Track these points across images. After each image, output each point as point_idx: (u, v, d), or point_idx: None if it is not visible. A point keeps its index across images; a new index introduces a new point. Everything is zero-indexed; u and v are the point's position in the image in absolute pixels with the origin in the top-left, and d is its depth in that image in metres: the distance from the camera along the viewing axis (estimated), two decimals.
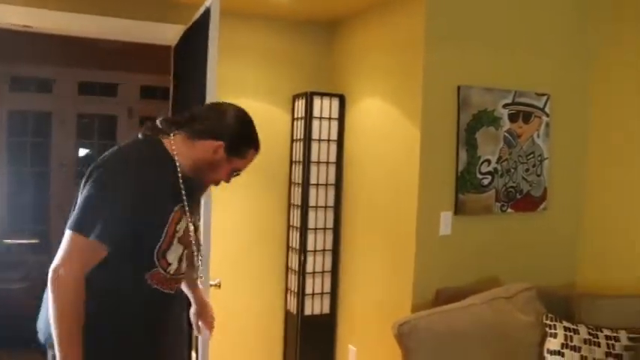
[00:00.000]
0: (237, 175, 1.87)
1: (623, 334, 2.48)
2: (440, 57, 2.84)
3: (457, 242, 2.92)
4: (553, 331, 2.51)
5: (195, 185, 1.83)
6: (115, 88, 5.95)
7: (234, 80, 3.50)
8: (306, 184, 3.51)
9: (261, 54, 3.59)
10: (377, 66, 3.26)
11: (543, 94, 3.10)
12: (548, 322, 2.54)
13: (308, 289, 3.54)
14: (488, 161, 2.96)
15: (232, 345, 3.55)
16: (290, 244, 3.69)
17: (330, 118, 3.55)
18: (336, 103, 3.56)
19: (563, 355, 2.47)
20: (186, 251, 1.80)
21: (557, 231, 3.22)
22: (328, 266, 3.61)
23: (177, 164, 1.76)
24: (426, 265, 2.85)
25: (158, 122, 1.80)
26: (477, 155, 2.92)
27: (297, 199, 3.60)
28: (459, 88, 2.88)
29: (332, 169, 3.59)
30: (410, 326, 2.44)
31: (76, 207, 1.63)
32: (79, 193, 1.67)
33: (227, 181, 1.87)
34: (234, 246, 3.58)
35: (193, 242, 1.83)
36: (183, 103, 2.82)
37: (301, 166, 3.53)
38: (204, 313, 2.18)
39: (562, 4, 3.17)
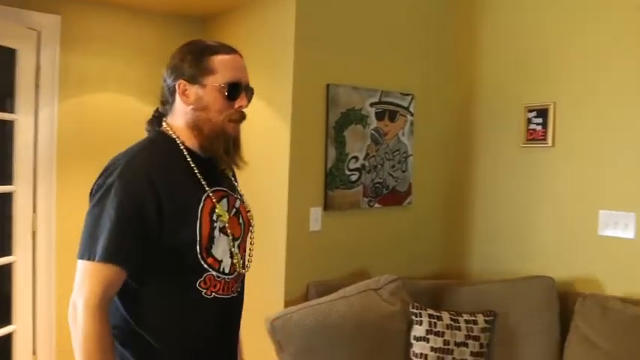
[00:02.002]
0: (242, 89, 1.58)
1: (480, 318, 2.66)
2: (309, 55, 2.88)
3: (327, 237, 2.98)
4: (419, 318, 2.64)
5: (211, 162, 1.58)
6: None
7: (100, 73, 3.35)
8: None
9: (131, 47, 3.46)
10: (248, 62, 3.22)
11: (408, 94, 3.25)
12: (414, 310, 2.66)
13: None
14: (356, 158, 3.05)
15: None
16: None
17: None
18: None
19: (428, 340, 2.60)
20: (238, 241, 1.57)
21: (421, 224, 3.38)
22: None
23: (179, 143, 1.53)
24: (297, 260, 2.89)
25: (152, 116, 1.66)
26: (346, 152, 3.01)
27: None
28: (327, 86, 2.94)
29: None
30: (282, 321, 2.47)
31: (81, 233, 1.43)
32: None
33: (242, 104, 1.58)
34: None
35: (245, 227, 1.62)
36: None
37: None
38: None
39: (424, 10, 3.34)
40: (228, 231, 1.53)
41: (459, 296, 2.85)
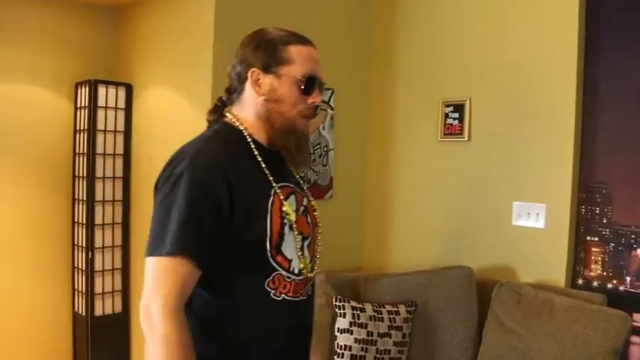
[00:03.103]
0: (316, 84, 1.46)
1: (402, 308, 2.71)
2: (229, 47, 2.82)
3: None
4: (342, 311, 2.66)
5: (279, 157, 1.48)
6: None
7: (9, 62, 3.17)
8: (91, 178, 3.31)
9: (39, 36, 3.29)
10: (166, 54, 3.17)
11: (328, 89, 3.26)
12: (337, 303, 2.69)
13: (98, 289, 3.35)
14: None
15: (13, 355, 3.24)
16: (76, 242, 3.45)
17: (116, 108, 3.37)
18: (122, 92, 3.39)
19: (351, 332, 2.63)
20: (307, 241, 1.48)
21: (343, 218, 3.41)
22: (118, 263, 3.44)
23: (246, 135, 1.44)
24: None
25: (214, 106, 1.56)
26: None
27: (81, 193, 3.37)
28: None
29: (119, 161, 3.42)
30: None
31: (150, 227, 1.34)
32: None
33: (316, 100, 1.46)
34: (10, 246, 3.26)
35: (313, 227, 1.53)
36: None
37: (86, 159, 3.32)
38: None
39: (344, 5, 3.36)
40: (297, 230, 1.44)
41: (381, 288, 2.89)
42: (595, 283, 2.66)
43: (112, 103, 3.35)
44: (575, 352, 2.27)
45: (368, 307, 2.69)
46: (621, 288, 2.59)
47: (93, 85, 3.28)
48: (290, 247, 1.40)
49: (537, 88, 2.77)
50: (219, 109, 1.55)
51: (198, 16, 2.89)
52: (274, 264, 1.38)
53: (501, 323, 2.53)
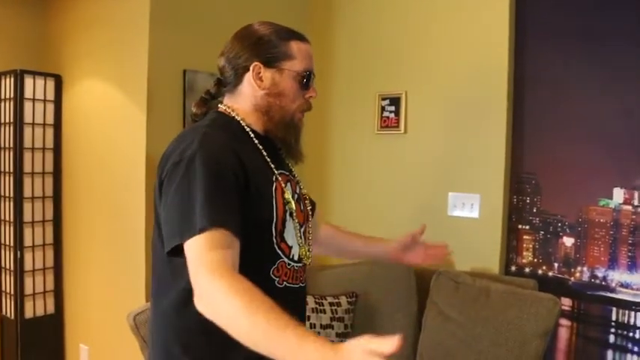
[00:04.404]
0: (313, 80, 1.51)
1: (343, 299, 2.75)
2: (165, 39, 2.78)
3: None
4: None
5: (274, 145, 1.52)
6: None
7: None
8: (18, 173, 3.17)
9: None
10: (99, 45, 3.07)
11: None
12: None
13: (28, 290, 3.22)
14: None
15: None
16: (2, 241, 3.31)
17: (45, 100, 3.24)
18: (51, 83, 3.26)
19: None
20: (302, 228, 1.50)
21: None
22: (50, 262, 3.32)
23: (244, 125, 1.46)
24: None
25: (201, 98, 1.55)
26: None
27: (8, 189, 3.23)
28: (184, 72, 2.86)
29: (49, 155, 3.30)
30: (146, 316, 2.38)
31: (165, 218, 1.29)
32: (158, 203, 1.36)
33: (313, 95, 1.52)
34: None
35: (306, 215, 1.55)
36: None
37: (12, 153, 3.18)
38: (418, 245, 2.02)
39: None
40: (297, 216, 1.47)
41: (322, 280, 2.91)
42: (527, 270, 2.77)
43: (40, 94, 3.22)
44: (510, 335, 2.36)
45: (310, 299, 2.70)
46: (550, 274, 2.71)
47: (19, 76, 3.13)
48: (291, 234, 1.44)
49: (471, 83, 2.85)
50: (207, 101, 1.56)
51: (133, 6, 2.81)
52: (278, 251, 1.40)
53: (440, 311, 2.60)
